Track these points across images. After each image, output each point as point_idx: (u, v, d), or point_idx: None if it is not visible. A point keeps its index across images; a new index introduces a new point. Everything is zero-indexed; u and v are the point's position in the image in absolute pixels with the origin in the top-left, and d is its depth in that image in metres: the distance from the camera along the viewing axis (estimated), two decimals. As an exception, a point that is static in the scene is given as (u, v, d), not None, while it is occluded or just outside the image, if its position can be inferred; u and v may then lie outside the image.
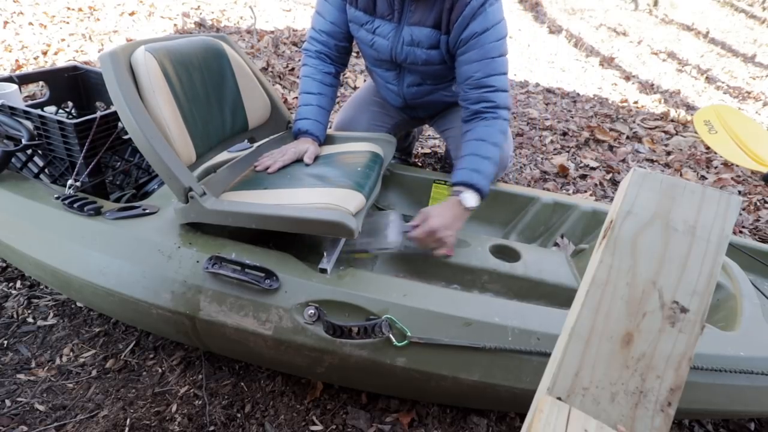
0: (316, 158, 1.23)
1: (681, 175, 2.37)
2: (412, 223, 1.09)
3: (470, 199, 1.12)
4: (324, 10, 1.29)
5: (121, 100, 0.87)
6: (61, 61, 2.75)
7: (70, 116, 1.39)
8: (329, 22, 1.29)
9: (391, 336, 0.83)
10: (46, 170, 1.16)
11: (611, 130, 2.85)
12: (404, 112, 1.55)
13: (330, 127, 1.45)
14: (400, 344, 0.83)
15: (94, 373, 1.07)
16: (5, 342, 1.13)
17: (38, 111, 1.06)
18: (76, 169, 1.06)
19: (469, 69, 1.19)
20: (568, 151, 2.52)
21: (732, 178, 2.31)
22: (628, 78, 4.38)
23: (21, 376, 1.05)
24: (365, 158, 1.20)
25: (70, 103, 1.39)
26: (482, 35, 1.15)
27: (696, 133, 2.38)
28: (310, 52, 1.34)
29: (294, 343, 0.87)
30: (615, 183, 2.24)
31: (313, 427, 0.99)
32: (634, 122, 3.02)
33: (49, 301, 1.25)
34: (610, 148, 2.63)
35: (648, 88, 4.08)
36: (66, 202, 1.00)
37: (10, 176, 1.12)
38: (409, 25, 1.21)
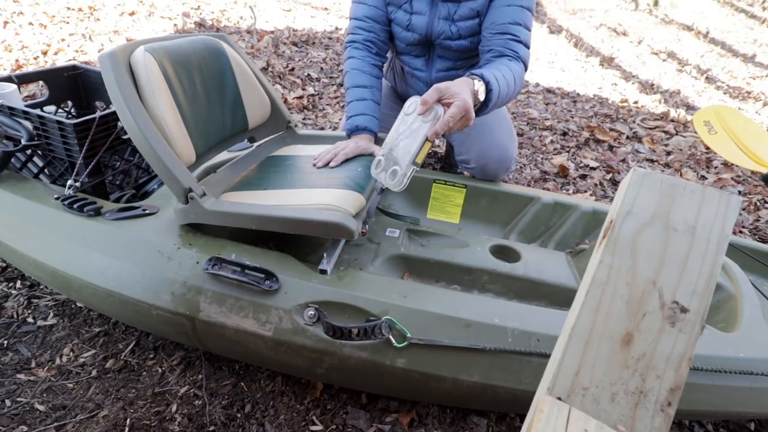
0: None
1: (681, 175, 2.37)
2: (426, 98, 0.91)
3: (481, 90, 1.01)
4: None
5: (121, 101, 0.87)
6: (61, 61, 2.76)
7: (70, 116, 1.39)
8: (371, 5, 1.30)
9: (391, 337, 0.83)
10: (45, 170, 1.16)
11: (611, 130, 2.85)
12: None
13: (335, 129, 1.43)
14: (399, 345, 0.83)
15: (94, 373, 1.07)
16: (5, 342, 1.13)
17: (37, 111, 1.05)
18: (75, 170, 1.06)
19: (497, 13, 1.18)
20: (568, 151, 2.52)
21: (732, 178, 2.31)
22: (628, 78, 4.38)
23: (21, 376, 1.05)
24: (365, 159, 1.20)
25: (69, 103, 1.39)
26: None
27: (696, 133, 2.38)
28: (357, 42, 1.33)
29: (294, 344, 0.87)
30: (615, 183, 2.24)
31: (313, 427, 0.99)
32: (634, 122, 3.02)
33: (49, 301, 1.25)
34: (610, 148, 2.63)
35: (648, 88, 4.08)
36: (66, 202, 1.00)
37: (10, 176, 1.12)
38: (443, 1, 1.24)
